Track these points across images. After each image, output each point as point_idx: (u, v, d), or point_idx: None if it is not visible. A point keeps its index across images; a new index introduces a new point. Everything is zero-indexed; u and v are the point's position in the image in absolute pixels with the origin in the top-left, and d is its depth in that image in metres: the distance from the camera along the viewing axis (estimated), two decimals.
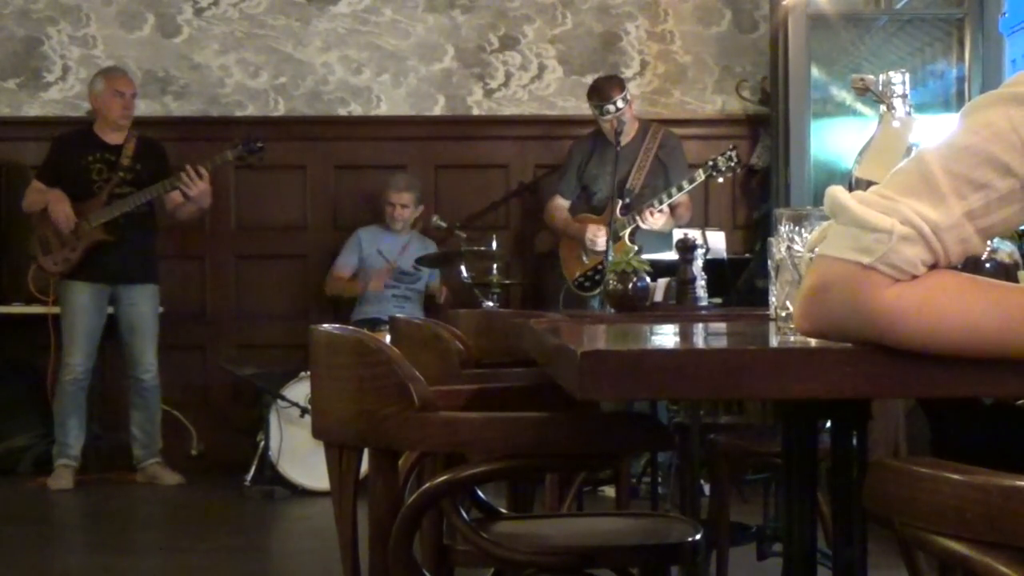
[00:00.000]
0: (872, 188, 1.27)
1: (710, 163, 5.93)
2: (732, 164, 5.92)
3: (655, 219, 5.97)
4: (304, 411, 5.78)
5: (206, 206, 6.28)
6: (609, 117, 6.09)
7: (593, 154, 6.32)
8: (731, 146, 6.02)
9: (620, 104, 6.08)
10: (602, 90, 6.15)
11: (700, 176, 5.97)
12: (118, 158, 6.21)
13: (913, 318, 1.20)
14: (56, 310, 6.26)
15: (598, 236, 6.06)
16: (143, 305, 6.22)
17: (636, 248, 5.72)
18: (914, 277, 1.21)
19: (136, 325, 6.20)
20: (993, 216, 1.23)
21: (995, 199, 1.22)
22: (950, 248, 1.22)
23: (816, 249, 1.29)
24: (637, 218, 5.97)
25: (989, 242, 1.85)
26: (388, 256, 6.55)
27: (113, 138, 6.25)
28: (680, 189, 6.03)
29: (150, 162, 6.24)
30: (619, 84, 6.19)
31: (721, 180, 6.10)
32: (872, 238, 1.21)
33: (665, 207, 6.01)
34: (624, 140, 6.04)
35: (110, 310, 6.23)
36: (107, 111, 6.24)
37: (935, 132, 1.33)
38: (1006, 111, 1.22)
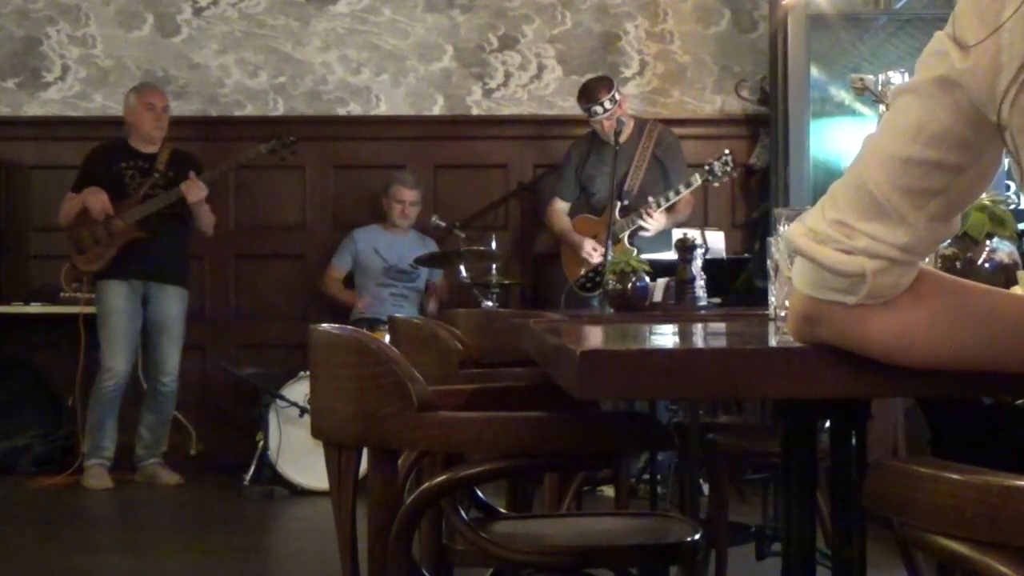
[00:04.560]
0: (824, 210, 1.21)
1: (706, 167, 5.91)
2: (728, 169, 5.91)
3: (654, 220, 5.96)
4: (303, 411, 5.77)
5: (206, 227, 6.27)
6: (598, 119, 6.07)
7: (590, 154, 6.30)
8: (727, 151, 5.99)
9: (608, 105, 6.04)
10: (589, 92, 6.11)
11: (697, 180, 5.96)
12: (152, 165, 6.23)
13: (906, 349, 1.21)
14: (58, 310, 6.27)
15: (594, 254, 6.06)
16: (172, 307, 6.22)
17: (635, 251, 5.76)
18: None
19: (164, 327, 6.21)
20: (956, 205, 1.20)
21: (954, 195, 1.18)
22: (924, 253, 1.21)
23: (795, 283, 1.28)
24: (638, 221, 5.96)
25: (988, 242, 1.85)
26: (385, 256, 6.55)
27: (147, 149, 6.28)
28: (677, 193, 6.02)
29: (184, 170, 6.22)
30: (607, 85, 6.14)
31: (717, 185, 6.11)
32: (847, 282, 1.20)
33: (663, 210, 6.00)
34: (620, 139, 6.03)
35: None
36: (139, 124, 6.27)
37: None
38: (931, 105, 1.15)
